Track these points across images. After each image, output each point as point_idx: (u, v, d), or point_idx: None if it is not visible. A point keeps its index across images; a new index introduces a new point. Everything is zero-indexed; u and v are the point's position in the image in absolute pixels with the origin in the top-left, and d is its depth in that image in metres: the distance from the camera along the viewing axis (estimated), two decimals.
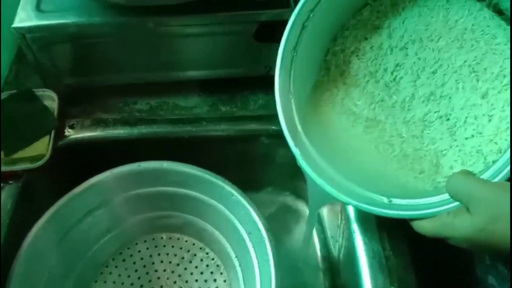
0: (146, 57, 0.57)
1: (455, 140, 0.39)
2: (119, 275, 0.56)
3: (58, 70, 0.56)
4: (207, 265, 0.57)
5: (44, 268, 0.50)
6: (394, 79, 0.43)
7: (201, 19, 0.53)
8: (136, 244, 0.58)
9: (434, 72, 0.41)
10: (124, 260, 0.57)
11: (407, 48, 0.42)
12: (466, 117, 0.39)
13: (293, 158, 0.57)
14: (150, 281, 0.55)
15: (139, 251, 0.58)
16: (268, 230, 0.49)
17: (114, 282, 0.55)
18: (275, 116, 0.61)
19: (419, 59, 0.42)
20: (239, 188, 0.53)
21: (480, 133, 0.38)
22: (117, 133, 0.59)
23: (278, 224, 0.66)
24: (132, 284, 0.55)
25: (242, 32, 0.55)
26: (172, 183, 0.56)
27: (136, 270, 0.56)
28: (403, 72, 0.42)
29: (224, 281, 0.55)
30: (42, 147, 0.53)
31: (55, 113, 0.56)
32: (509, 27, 0.39)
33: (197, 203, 0.56)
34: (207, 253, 0.58)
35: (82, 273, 0.54)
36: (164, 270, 0.56)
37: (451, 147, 0.39)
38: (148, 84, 0.61)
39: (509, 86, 0.38)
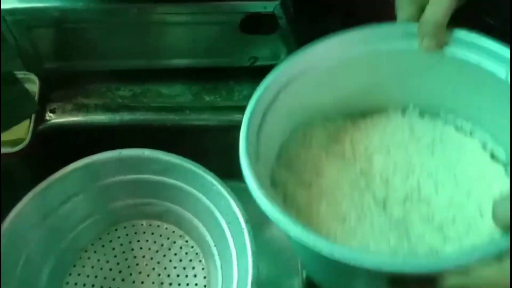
0: (130, 44, 0.57)
1: (449, 238, 0.36)
2: (98, 260, 0.56)
3: (40, 53, 0.56)
4: (186, 253, 0.57)
5: (22, 252, 0.50)
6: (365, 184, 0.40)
7: (186, 7, 0.53)
8: (116, 230, 0.58)
9: (406, 177, 0.38)
10: (103, 246, 0.57)
11: (372, 156, 0.40)
12: (454, 215, 0.36)
13: None
14: (128, 267, 0.56)
15: (119, 237, 0.58)
16: (247, 221, 0.49)
17: (92, 267, 0.55)
18: None
19: (388, 165, 0.39)
20: (221, 178, 0.53)
21: (476, 229, 0.35)
22: (99, 119, 0.59)
23: (258, 214, 0.66)
24: (110, 269, 0.55)
25: (228, 22, 0.55)
26: (153, 171, 0.56)
27: (115, 256, 0.56)
28: (371, 177, 0.39)
29: (203, 269, 0.56)
30: (22, 131, 0.53)
31: (36, 97, 0.55)
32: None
33: (178, 191, 0.56)
34: (186, 241, 0.58)
35: (61, 258, 0.54)
36: (143, 257, 0.56)
37: (445, 243, 0.35)
38: (131, 70, 0.61)
39: (492, 185, 0.37)
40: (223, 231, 0.53)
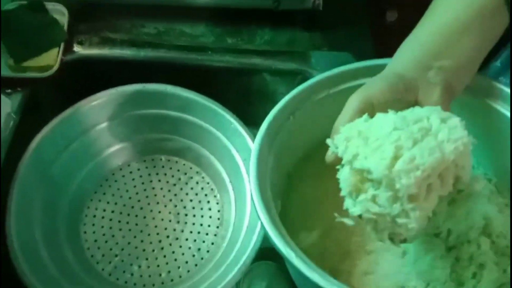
0: None
1: None
2: (118, 189, 0.59)
3: None
4: (202, 188, 0.60)
5: (46, 174, 0.52)
6: None
7: None
8: (136, 163, 0.61)
9: None
10: (123, 176, 0.60)
11: None
12: None
13: None
14: (147, 197, 0.58)
15: (139, 169, 0.60)
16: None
17: (113, 195, 0.58)
18: (280, 53, 0.63)
19: None
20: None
21: None
22: (124, 53, 0.60)
23: None
24: (130, 198, 0.58)
25: None
26: (174, 107, 0.58)
27: (134, 186, 0.59)
28: None
29: (217, 203, 0.58)
30: (51, 58, 0.54)
31: (65, 27, 0.57)
32: None
33: (197, 129, 0.58)
34: (203, 177, 0.60)
35: (83, 183, 0.57)
36: (161, 189, 0.59)
37: None
38: (156, 7, 0.61)
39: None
40: (238, 167, 0.55)
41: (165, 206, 0.58)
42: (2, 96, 0.44)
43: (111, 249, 0.54)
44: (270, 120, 0.42)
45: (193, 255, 0.54)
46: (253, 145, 0.41)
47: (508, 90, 0.42)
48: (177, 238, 0.55)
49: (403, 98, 0.37)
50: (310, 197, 0.45)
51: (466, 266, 0.39)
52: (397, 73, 0.38)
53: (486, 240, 0.39)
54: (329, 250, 0.42)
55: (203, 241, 0.55)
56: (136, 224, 0.56)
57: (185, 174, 0.61)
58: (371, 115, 0.36)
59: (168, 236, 0.55)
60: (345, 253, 0.42)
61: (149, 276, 0.53)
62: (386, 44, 0.68)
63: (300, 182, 0.46)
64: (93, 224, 0.56)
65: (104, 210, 0.57)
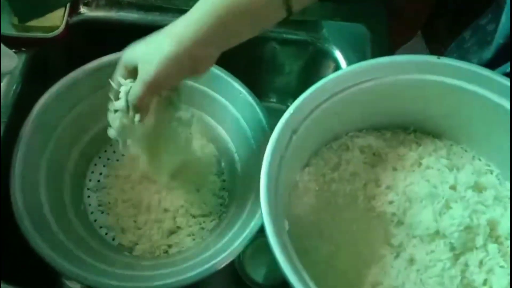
0: None
1: None
2: (122, 154, 0.58)
3: None
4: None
5: (51, 136, 0.51)
6: None
7: None
8: None
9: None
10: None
11: None
12: None
13: (300, 67, 0.57)
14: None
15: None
16: (271, 128, 0.50)
17: (117, 160, 0.58)
18: (291, 21, 0.61)
19: None
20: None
21: None
22: (131, 17, 0.58)
23: None
24: (133, 163, 0.57)
25: None
26: None
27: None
28: None
29: (223, 173, 0.58)
30: (56, 19, 0.53)
31: None
32: None
33: (205, 97, 0.57)
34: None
35: (86, 148, 0.56)
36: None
37: None
38: None
39: None
40: (246, 138, 0.55)
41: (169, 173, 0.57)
42: (10, 52, 0.42)
43: (114, 214, 0.54)
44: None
45: (198, 223, 0.54)
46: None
47: (508, 83, 0.41)
48: (182, 206, 0.54)
49: None
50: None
51: (476, 272, 0.40)
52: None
53: (493, 245, 0.41)
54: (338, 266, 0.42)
55: (209, 210, 0.55)
56: (140, 191, 0.55)
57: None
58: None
59: (172, 203, 0.55)
60: (353, 265, 0.42)
61: (152, 242, 0.53)
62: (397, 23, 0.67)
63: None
64: (96, 189, 0.56)
65: (108, 175, 0.57)
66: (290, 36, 0.61)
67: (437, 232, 0.41)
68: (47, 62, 0.55)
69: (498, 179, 0.46)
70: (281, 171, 0.39)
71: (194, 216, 0.54)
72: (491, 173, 0.46)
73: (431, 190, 0.42)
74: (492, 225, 0.42)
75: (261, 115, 0.53)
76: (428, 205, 0.42)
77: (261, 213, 0.41)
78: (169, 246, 0.53)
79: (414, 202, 0.43)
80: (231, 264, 0.45)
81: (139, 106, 0.41)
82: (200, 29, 0.38)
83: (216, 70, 0.55)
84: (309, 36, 0.61)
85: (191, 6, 0.62)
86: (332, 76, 0.43)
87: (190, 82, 0.57)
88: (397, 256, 0.41)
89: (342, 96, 0.43)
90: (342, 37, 0.59)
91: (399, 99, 0.46)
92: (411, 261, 0.41)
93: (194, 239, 0.53)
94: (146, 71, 0.39)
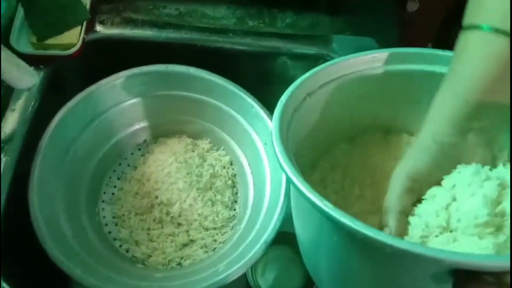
0: None
1: None
2: (136, 167, 0.59)
3: None
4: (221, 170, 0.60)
5: (70, 148, 0.53)
6: None
7: None
8: (155, 143, 0.61)
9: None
10: (142, 155, 0.60)
11: None
12: None
13: None
14: (165, 176, 0.57)
15: (157, 150, 0.60)
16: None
17: (131, 173, 0.58)
18: (302, 36, 0.62)
19: None
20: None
21: None
22: (145, 34, 0.60)
23: None
24: (148, 178, 0.57)
25: None
26: (196, 90, 0.57)
27: (152, 166, 0.59)
28: None
29: (234, 186, 0.59)
30: (73, 37, 0.54)
31: (88, 6, 0.57)
32: None
33: (217, 112, 0.58)
34: (221, 160, 0.60)
35: (102, 162, 0.57)
36: (179, 170, 0.58)
37: None
38: None
39: None
40: (258, 151, 0.55)
41: (183, 187, 0.58)
42: (31, 69, 0.44)
43: (127, 227, 0.55)
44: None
45: (211, 236, 0.54)
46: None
47: None
48: (195, 219, 0.55)
49: (444, 166, 0.36)
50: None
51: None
52: (437, 141, 0.36)
53: None
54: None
55: (221, 222, 0.55)
56: (153, 204, 0.56)
57: (204, 156, 0.61)
58: (418, 193, 0.35)
59: (186, 216, 0.55)
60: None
61: (166, 255, 0.53)
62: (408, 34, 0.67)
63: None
64: (111, 202, 0.57)
65: (122, 189, 0.57)
66: (300, 51, 0.62)
67: None
68: (64, 78, 0.57)
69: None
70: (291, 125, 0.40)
71: (207, 229, 0.55)
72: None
73: None
74: None
75: (272, 128, 0.53)
76: None
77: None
78: (182, 258, 0.53)
79: None
80: (244, 276, 0.45)
81: None
82: None
83: (229, 85, 0.56)
84: (319, 50, 0.62)
85: (204, 24, 0.64)
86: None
87: (202, 97, 0.58)
88: None
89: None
90: (352, 51, 0.60)
91: None
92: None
93: (207, 251, 0.53)
94: None
